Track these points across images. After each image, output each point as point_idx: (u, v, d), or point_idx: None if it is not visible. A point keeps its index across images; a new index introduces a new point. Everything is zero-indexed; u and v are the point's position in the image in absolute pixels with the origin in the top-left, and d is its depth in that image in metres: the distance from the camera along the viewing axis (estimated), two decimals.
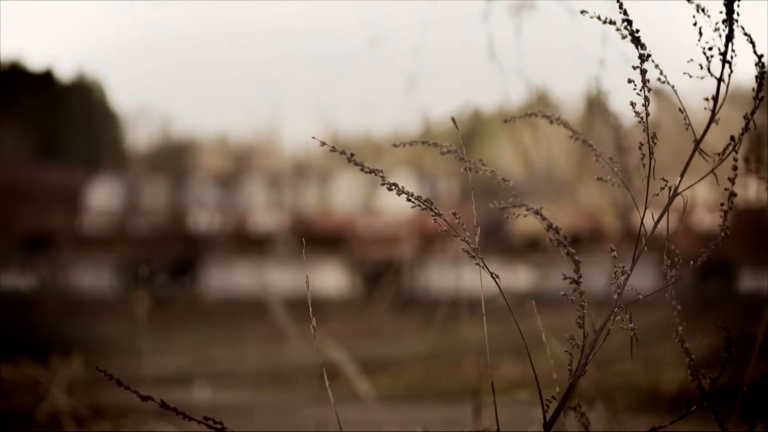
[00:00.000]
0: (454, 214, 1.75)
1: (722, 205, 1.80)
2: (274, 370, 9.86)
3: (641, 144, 1.75)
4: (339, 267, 18.96)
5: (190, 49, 38.72)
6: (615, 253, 1.78)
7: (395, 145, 1.97)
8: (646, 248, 1.81)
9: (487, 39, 3.78)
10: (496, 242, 17.18)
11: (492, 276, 1.77)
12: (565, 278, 1.78)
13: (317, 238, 19.45)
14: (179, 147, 30.28)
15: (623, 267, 1.76)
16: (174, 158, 28.43)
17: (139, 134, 29.94)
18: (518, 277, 16.83)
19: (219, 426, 1.72)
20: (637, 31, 1.71)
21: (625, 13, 1.71)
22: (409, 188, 1.77)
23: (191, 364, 10.17)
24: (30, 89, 25.09)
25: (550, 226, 1.83)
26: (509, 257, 17.31)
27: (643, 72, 1.72)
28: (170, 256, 19.26)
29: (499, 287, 1.78)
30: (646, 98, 1.74)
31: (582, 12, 1.75)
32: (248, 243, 19.85)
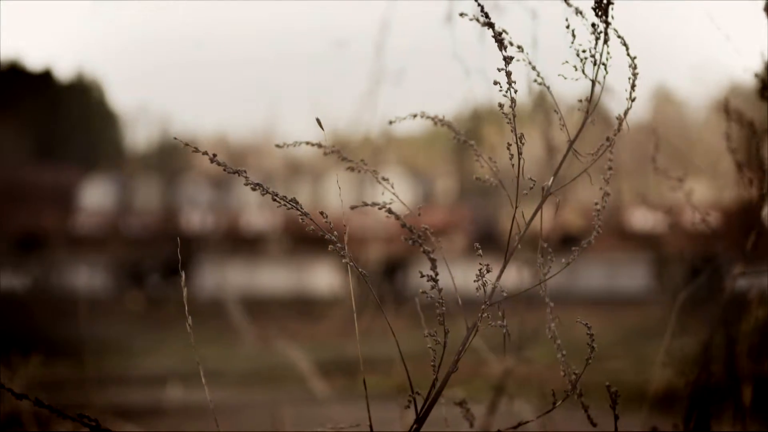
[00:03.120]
0: (322, 213, 1.77)
1: (596, 204, 1.81)
2: (264, 369, 9.90)
3: (509, 144, 1.77)
4: (331, 266, 18.96)
5: (189, 49, 38.69)
6: (481, 251, 1.80)
7: (278, 146, 1.97)
8: (519, 246, 1.83)
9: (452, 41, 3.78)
10: (487, 240, 17.17)
11: (361, 274, 1.78)
12: (422, 276, 1.80)
13: (310, 238, 19.43)
14: (178, 147, 30.19)
15: (488, 265, 1.77)
16: (172, 158, 28.40)
17: (139, 134, 29.93)
18: (512, 276, 16.82)
19: (93, 424, 1.73)
20: (500, 33, 1.72)
21: (486, 16, 1.72)
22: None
23: (183, 363, 10.17)
24: (29, 89, 25.06)
25: (404, 225, 1.86)
26: (502, 255, 17.29)
27: (508, 74, 1.74)
28: (163, 256, 19.24)
29: (369, 286, 1.79)
30: (512, 100, 1.76)
31: (461, 15, 1.76)
32: (241, 242, 19.84)
